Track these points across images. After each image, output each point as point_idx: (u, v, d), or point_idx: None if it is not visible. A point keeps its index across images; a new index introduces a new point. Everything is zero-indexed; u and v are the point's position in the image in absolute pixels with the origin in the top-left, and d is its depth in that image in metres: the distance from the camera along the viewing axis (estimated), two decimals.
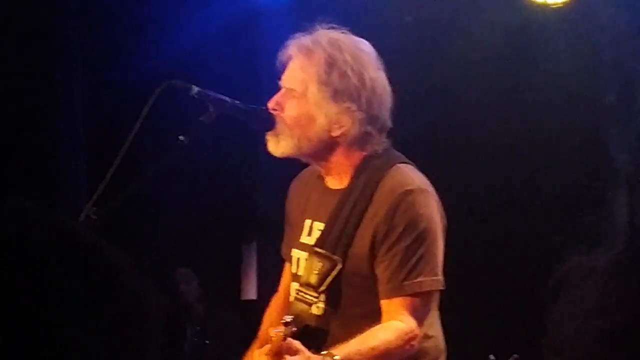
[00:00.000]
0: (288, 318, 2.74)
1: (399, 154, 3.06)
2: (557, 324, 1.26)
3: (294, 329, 2.80)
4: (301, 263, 3.05)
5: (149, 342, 1.21)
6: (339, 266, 2.94)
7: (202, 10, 5.31)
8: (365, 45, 3.02)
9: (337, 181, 3.05)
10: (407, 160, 3.05)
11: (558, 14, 4.56)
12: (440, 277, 2.94)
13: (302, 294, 3.01)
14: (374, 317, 2.92)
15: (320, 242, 3.00)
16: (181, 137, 2.98)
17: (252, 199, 5.74)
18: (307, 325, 2.96)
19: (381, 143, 3.01)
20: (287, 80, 3.00)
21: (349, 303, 2.97)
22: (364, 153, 2.99)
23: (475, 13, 4.74)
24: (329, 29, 3.01)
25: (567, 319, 1.25)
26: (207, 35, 5.32)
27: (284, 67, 3.02)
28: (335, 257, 2.95)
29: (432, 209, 2.94)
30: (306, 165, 3.17)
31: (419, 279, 2.89)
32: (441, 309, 3.08)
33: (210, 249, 5.99)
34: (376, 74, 2.98)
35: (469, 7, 4.76)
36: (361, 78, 2.94)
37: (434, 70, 4.86)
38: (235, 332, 5.64)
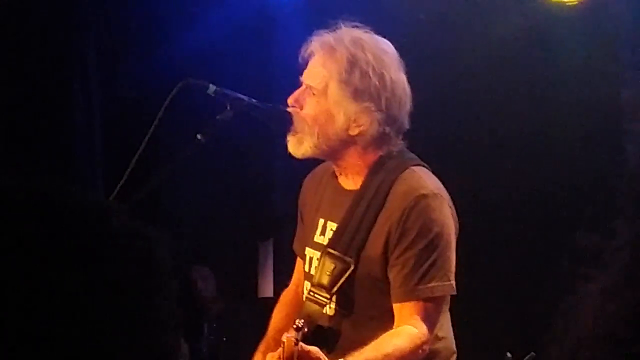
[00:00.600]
0: (299, 322, 2.74)
1: (413, 155, 3.06)
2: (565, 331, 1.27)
3: (306, 329, 2.80)
4: (314, 262, 3.06)
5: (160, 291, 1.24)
6: (352, 268, 2.95)
7: (218, 9, 5.32)
8: (387, 46, 3.02)
9: (351, 181, 3.05)
10: (421, 162, 3.05)
11: (574, 12, 4.54)
12: (452, 282, 2.94)
13: (314, 294, 3.01)
14: (385, 318, 2.92)
15: (333, 242, 3.00)
16: (198, 136, 2.99)
17: (268, 197, 5.75)
18: (318, 326, 2.97)
19: (397, 144, 3.02)
20: (308, 77, 3.01)
21: (360, 305, 2.98)
22: (380, 153, 3.00)
23: (490, 11, 4.73)
24: (352, 27, 3.02)
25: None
26: (223, 33, 5.32)
27: (305, 63, 3.03)
28: (348, 258, 2.95)
29: (445, 214, 2.94)
30: (320, 161, 3.17)
31: (431, 284, 2.89)
32: (454, 309, 3.09)
33: (227, 247, 6.00)
34: (397, 75, 2.98)
35: (484, 5, 4.75)
36: (382, 78, 2.94)
37: (447, 69, 4.86)
38: (251, 330, 5.65)
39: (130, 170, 2.93)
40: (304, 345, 2.71)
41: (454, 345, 3.11)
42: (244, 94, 3.07)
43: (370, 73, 2.93)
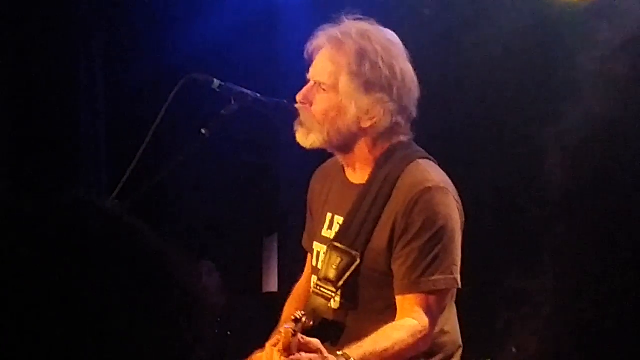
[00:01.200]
0: (299, 314, 2.74)
1: (419, 148, 3.05)
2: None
3: (311, 323, 2.80)
4: (321, 257, 3.06)
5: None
6: (358, 262, 2.95)
7: (223, 3, 5.31)
8: (393, 37, 3.01)
9: (358, 174, 3.05)
10: (427, 155, 3.05)
11: (582, 9, 4.52)
12: (456, 276, 2.94)
13: (320, 288, 3.01)
14: (389, 312, 2.92)
15: (339, 236, 3.00)
16: (203, 130, 2.99)
17: (272, 192, 5.75)
18: (323, 320, 2.97)
19: (407, 133, 3.02)
20: (316, 73, 2.99)
21: (365, 298, 2.98)
22: (389, 144, 3.00)
23: (496, 7, 4.71)
24: (355, 20, 3.01)
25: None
26: (228, 28, 5.32)
27: (310, 58, 3.02)
28: (354, 252, 2.95)
29: (450, 207, 2.94)
30: (327, 155, 3.17)
31: (434, 277, 2.89)
32: (460, 303, 3.09)
33: (231, 242, 6.00)
34: (405, 65, 2.98)
35: (490, 1, 4.73)
36: (392, 69, 2.94)
37: (451, 65, 4.84)
38: (256, 324, 5.66)
39: (135, 165, 2.92)
40: (303, 336, 2.72)
41: (460, 339, 3.10)
42: (249, 89, 3.06)
43: (380, 64, 2.92)
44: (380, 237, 2.94)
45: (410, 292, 2.90)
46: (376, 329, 2.86)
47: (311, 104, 2.98)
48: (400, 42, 3.01)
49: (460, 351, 3.10)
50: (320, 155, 3.15)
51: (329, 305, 3.00)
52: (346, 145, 3.01)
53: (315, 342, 2.74)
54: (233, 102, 3.01)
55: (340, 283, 2.96)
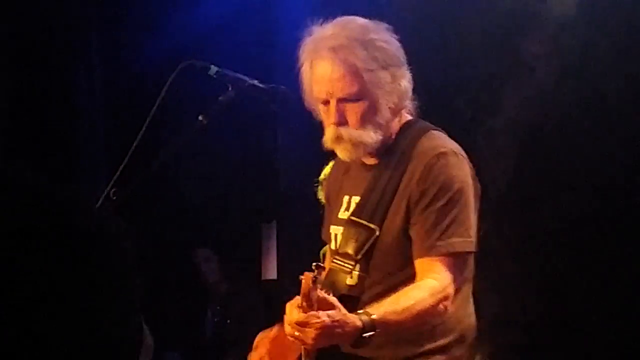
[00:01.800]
0: (317, 264, 2.72)
1: (428, 123, 3.09)
2: None
3: (324, 273, 2.78)
4: (339, 237, 3.06)
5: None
6: (377, 234, 2.96)
7: None
8: (366, 21, 3.02)
9: (373, 157, 3.06)
10: (438, 129, 3.08)
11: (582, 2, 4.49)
12: (473, 239, 2.95)
13: (338, 262, 3.02)
14: (407, 286, 2.92)
15: (357, 212, 3.02)
16: (200, 117, 2.98)
17: (271, 179, 5.75)
18: (341, 295, 2.96)
19: (412, 113, 3.06)
20: (338, 90, 2.95)
21: (383, 272, 2.98)
22: (404, 120, 3.02)
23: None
24: (320, 26, 2.99)
25: None
26: (224, 14, 5.30)
27: (320, 79, 2.97)
28: (373, 225, 2.97)
29: (465, 172, 2.96)
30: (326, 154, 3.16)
31: (452, 239, 2.90)
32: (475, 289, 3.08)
33: (230, 229, 6.00)
34: (393, 39, 3.00)
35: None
36: (391, 42, 2.97)
37: (449, 61, 4.82)
38: (256, 312, 5.66)
39: (132, 152, 2.91)
40: (321, 291, 2.71)
41: (475, 322, 3.11)
42: (246, 75, 3.05)
43: (382, 44, 2.95)
44: (398, 208, 2.95)
45: (428, 255, 2.90)
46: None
47: (347, 122, 2.96)
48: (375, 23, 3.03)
49: (474, 333, 3.10)
50: (318, 143, 3.14)
51: (346, 281, 3.00)
52: (388, 137, 3.02)
53: (333, 299, 2.73)
54: (230, 88, 3.00)
55: (359, 256, 2.97)
